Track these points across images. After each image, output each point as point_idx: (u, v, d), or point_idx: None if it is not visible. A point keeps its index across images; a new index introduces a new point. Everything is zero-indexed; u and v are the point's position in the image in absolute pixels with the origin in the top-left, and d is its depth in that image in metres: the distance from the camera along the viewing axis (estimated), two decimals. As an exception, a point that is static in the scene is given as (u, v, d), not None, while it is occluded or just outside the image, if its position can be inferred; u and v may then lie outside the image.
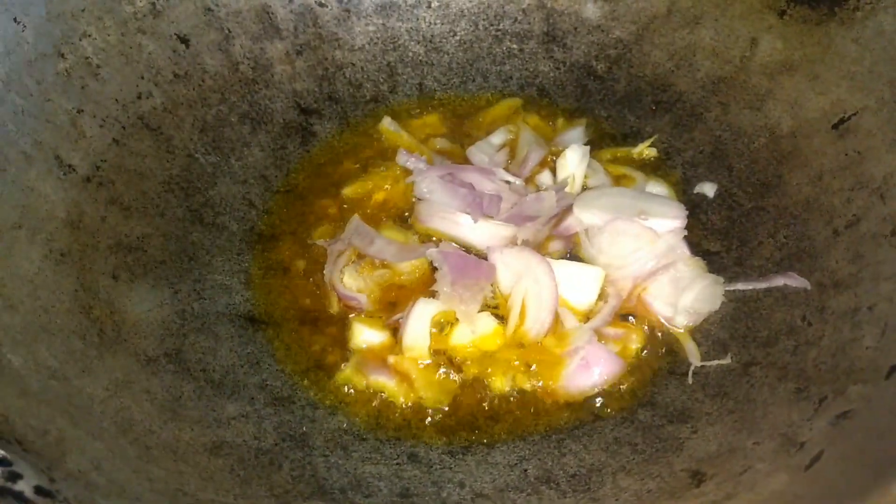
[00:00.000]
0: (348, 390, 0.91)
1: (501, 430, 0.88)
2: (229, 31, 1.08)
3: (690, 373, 0.89)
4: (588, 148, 1.03)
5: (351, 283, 0.96)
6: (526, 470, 0.84)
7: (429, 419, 0.89)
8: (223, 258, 0.99)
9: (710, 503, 0.72)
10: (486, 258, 0.95)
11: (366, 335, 0.94)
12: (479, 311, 0.92)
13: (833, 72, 0.96)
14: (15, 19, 0.89)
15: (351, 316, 0.95)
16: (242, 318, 0.95)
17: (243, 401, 0.88)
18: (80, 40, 0.96)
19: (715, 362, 0.89)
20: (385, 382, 0.91)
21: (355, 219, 1.00)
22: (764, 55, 1.03)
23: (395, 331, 0.93)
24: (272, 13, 1.11)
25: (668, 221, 0.95)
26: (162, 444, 0.79)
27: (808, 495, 0.65)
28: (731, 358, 0.88)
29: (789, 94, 1.00)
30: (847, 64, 0.95)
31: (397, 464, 0.85)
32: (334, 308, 0.97)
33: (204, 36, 1.07)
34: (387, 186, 1.05)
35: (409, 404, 0.90)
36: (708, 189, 1.03)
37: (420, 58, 1.17)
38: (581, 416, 0.88)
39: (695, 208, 1.01)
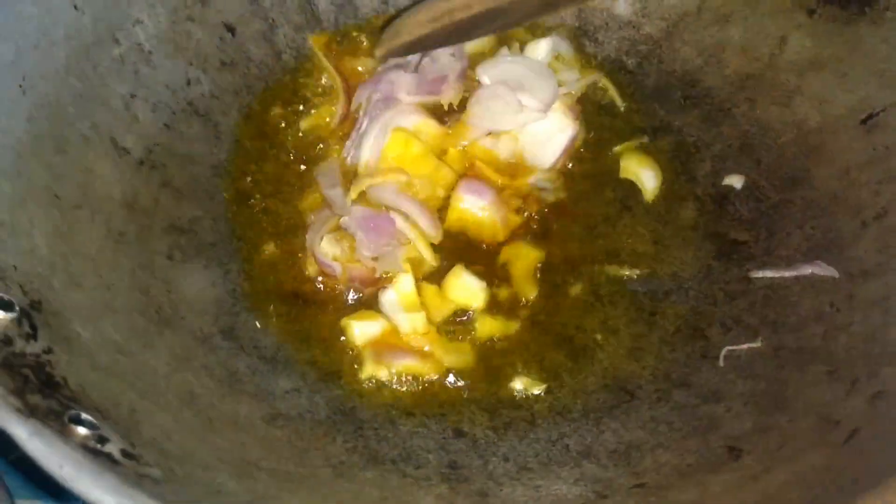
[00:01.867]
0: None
1: (542, 408, 0.92)
2: (273, 21, 1.12)
3: (722, 356, 0.93)
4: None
5: (328, 249, 0.98)
6: (567, 445, 0.88)
7: (466, 393, 0.93)
8: (270, 238, 1.02)
9: (749, 476, 0.76)
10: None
11: (362, 329, 0.95)
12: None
13: (861, 70, 1.00)
14: (75, 6, 0.92)
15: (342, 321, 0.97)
16: (290, 296, 0.98)
17: (295, 376, 0.92)
18: (134, 27, 0.99)
19: (745, 346, 0.93)
20: (409, 364, 0.94)
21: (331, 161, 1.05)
22: (792, 53, 1.06)
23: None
24: (314, 4, 1.14)
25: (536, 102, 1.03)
26: (223, 416, 0.82)
27: (850, 468, 0.69)
28: (762, 342, 0.92)
29: (817, 91, 1.03)
30: (876, 62, 0.98)
31: (443, 438, 0.89)
32: (310, 272, 0.99)
33: (249, 25, 1.10)
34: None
35: (437, 376, 0.94)
36: (736, 181, 1.07)
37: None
38: (618, 395, 0.92)
39: (723, 199, 1.05)
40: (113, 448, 0.64)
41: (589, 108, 1.13)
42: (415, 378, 0.94)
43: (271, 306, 0.97)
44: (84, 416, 0.66)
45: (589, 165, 1.10)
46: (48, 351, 0.72)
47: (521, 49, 1.13)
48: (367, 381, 0.93)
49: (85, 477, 0.56)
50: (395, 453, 0.86)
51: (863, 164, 0.96)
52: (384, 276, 0.97)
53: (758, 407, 0.86)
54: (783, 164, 1.04)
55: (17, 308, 0.72)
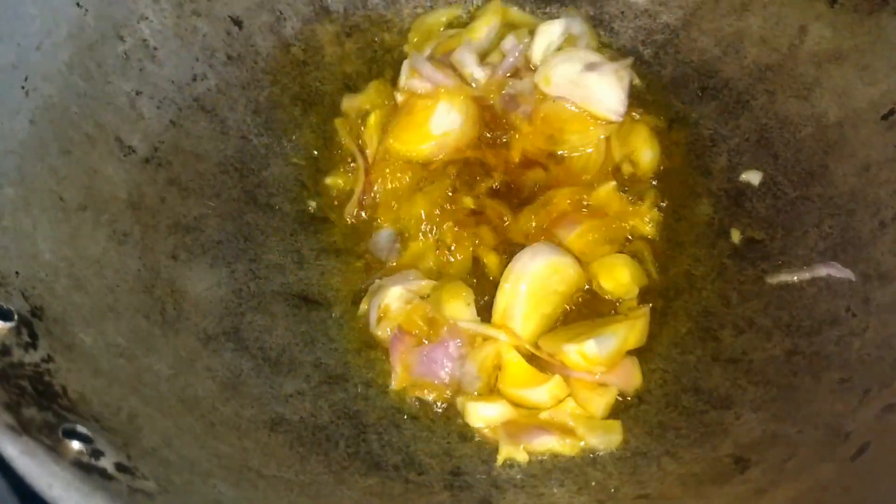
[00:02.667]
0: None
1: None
2: (281, 13, 1.10)
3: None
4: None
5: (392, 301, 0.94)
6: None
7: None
8: (277, 238, 1.02)
9: (754, 490, 0.75)
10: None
11: (481, 412, 0.89)
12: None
13: (883, 62, 0.96)
14: (78, 3, 0.91)
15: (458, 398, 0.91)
16: (296, 298, 0.98)
17: (299, 378, 0.91)
18: (139, 22, 0.98)
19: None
20: (549, 442, 0.87)
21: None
22: (812, 43, 1.03)
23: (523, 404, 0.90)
24: (322, -6, 1.13)
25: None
26: (225, 421, 0.82)
27: (856, 488, 0.67)
28: (776, 346, 0.90)
29: (837, 84, 1.00)
30: (897, 54, 0.95)
31: (448, 442, 0.88)
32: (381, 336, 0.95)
33: (256, 18, 1.08)
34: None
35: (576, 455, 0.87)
36: (753, 177, 1.04)
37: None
38: (625, 399, 0.91)
39: (740, 196, 1.03)
40: (107, 462, 0.64)
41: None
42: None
43: (277, 307, 0.97)
44: (79, 429, 0.66)
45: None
46: (48, 359, 0.72)
47: (531, 34, 1.10)
48: (504, 466, 0.87)
49: (73, 496, 0.56)
50: (398, 459, 0.86)
51: (883, 161, 0.93)
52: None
53: (767, 414, 0.84)
54: (801, 160, 1.01)
55: (16, 317, 0.72)
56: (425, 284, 0.95)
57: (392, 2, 1.16)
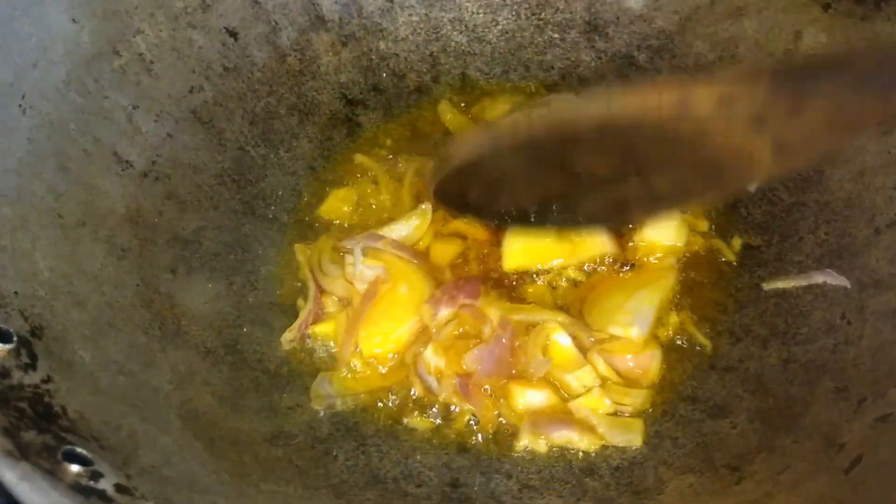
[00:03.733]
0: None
1: (546, 422, 0.91)
2: (276, 24, 1.10)
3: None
4: None
5: (431, 360, 0.92)
6: (570, 462, 0.87)
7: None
8: (275, 249, 1.03)
9: (749, 501, 0.75)
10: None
11: (529, 398, 0.90)
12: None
13: (877, 68, 0.96)
14: (73, 20, 0.92)
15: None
16: (295, 309, 0.98)
17: (298, 391, 0.92)
18: (134, 37, 0.98)
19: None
20: (569, 436, 0.88)
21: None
22: (807, 48, 1.03)
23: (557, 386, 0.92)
24: (318, 4, 1.13)
25: None
26: (224, 436, 0.83)
27: (850, 501, 0.68)
28: (772, 354, 0.91)
29: (832, 89, 1.00)
30: (892, 60, 0.95)
31: (446, 454, 0.89)
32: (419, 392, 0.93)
33: (252, 29, 1.09)
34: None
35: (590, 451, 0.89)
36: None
37: (463, 48, 1.18)
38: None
39: (736, 203, 1.03)
40: (106, 484, 0.65)
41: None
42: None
43: (276, 319, 0.97)
44: (78, 450, 0.66)
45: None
46: (47, 380, 0.73)
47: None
48: (523, 450, 0.89)
49: (72, 522, 0.57)
50: (397, 471, 0.87)
51: (878, 166, 0.93)
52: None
53: (764, 424, 0.84)
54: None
55: (16, 338, 0.73)
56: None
57: (387, 10, 1.16)
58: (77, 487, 0.62)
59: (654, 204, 0.88)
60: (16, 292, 0.77)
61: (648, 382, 0.93)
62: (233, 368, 0.91)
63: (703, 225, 1.03)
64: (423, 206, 1.02)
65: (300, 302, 0.99)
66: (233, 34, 1.07)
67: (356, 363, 0.94)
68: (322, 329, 0.97)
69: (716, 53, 1.10)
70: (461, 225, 1.02)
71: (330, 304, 0.98)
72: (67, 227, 0.86)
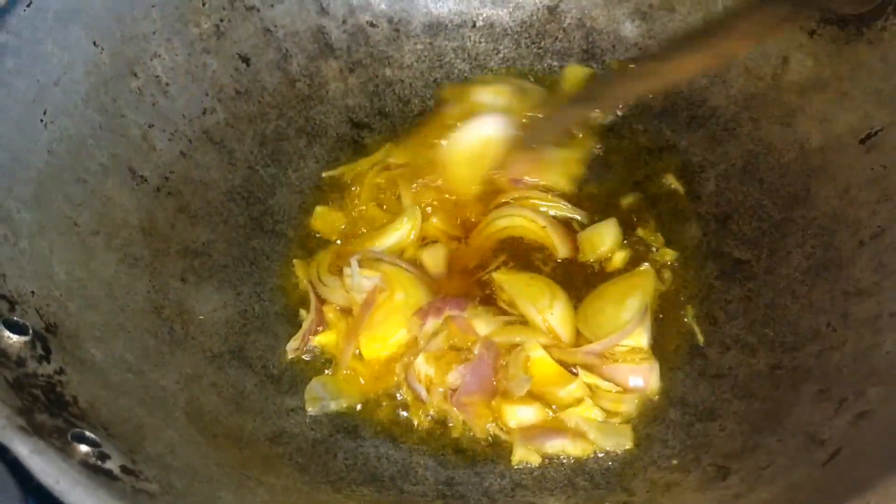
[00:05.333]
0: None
1: (540, 425, 0.94)
2: (287, 51, 1.16)
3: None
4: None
5: (422, 369, 0.95)
6: (563, 462, 0.90)
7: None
8: (281, 263, 1.06)
9: (733, 495, 0.77)
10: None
11: (520, 414, 0.92)
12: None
13: (861, 89, 1.00)
14: (94, 42, 0.97)
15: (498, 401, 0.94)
16: (299, 320, 1.02)
17: (300, 395, 0.95)
18: (151, 60, 1.04)
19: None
20: (562, 445, 0.91)
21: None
22: (794, 73, 1.07)
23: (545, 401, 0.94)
24: (327, 33, 1.18)
25: None
26: (228, 433, 0.86)
27: (826, 488, 0.70)
28: (760, 361, 0.93)
29: (818, 111, 1.04)
30: (875, 81, 0.99)
31: (442, 454, 0.91)
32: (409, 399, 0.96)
33: (263, 55, 1.14)
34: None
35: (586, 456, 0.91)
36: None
37: (465, 75, 1.23)
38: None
39: (727, 219, 1.06)
40: (113, 465, 0.68)
41: (595, 130, 1.16)
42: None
43: (281, 328, 1.01)
44: (87, 433, 0.70)
45: (594, 188, 1.12)
46: (60, 372, 0.76)
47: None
48: (518, 465, 0.91)
49: (79, 492, 0.60)
50: (394, 470, 0.89)
51: (862, 183, 0.97)
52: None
53: (750, 426, 0.87)
54: (785, 184, 1.05)
55: (31, 332, 0.77)
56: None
57: (393, 39, 1.21)
58: (85, 464, 0.65)
59: None
60: (33, 292, 0.81)
61: (650, 394, 0.95)
62: (238, 372, 0.94)
63: (671, 255, 1.05)
64: (406, 218, 1.06)
65: (303, 312, 1.02)
66: (245, 60, 1.13)
67: (354, 368, 0.97)
68: (324, 338, 1.00)
69: (707, 79, 1.15)
70: (435, 229, 1.07)
71: (331, 314, 1.01)
72: (83, 235, 0.91)
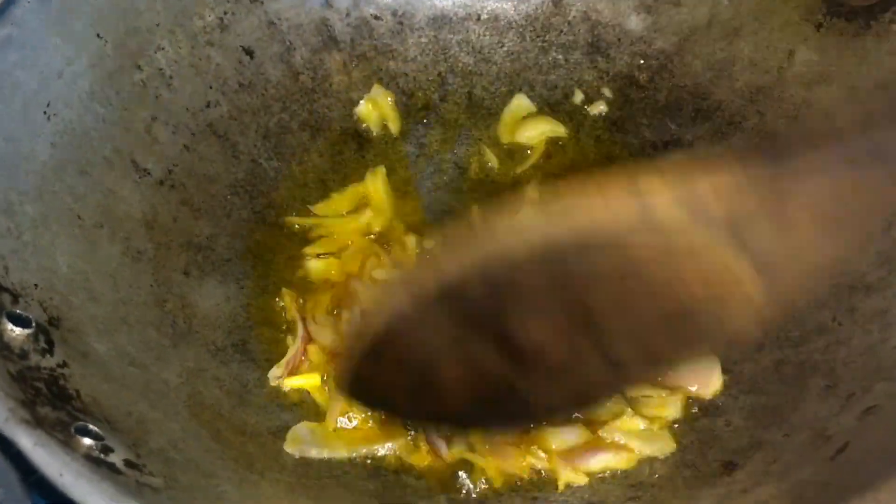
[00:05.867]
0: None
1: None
2: (290, 44, 1.15)
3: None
4: None
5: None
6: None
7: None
8: (284, 256, 1.06)
9: (739, 490, 0.77)
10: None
11: (564, 436, 0.89)
12: None
13: (868, 82, 1.00)
14: (98, 35, 0.97)
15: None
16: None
17: (304, 390, 0.95)
18: (155, 53, 1.03)
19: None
20: (606, 460, 0.88)
21: None
22: (801, 66, 1.07)
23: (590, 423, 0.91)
24: (331, 26, 1.18)
25: None
26: (230, 427, 0.86)
27: (834, 483, 0.70)
28: (766, 356, 0.93)
29: (825, 105, 1.03)
30: (882, 74, 0.98)
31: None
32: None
33: (267, 48, 1.14)
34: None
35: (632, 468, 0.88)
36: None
37: (469, 68, 1.23)
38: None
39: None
40: (116, 458, 0.68)
41: (600, 124, 1.16)
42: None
43: (285, 321, 1.00)
44: (91, 427, 0.69)
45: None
46: (63, 365, 0.76)
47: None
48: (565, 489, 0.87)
49: (83, 485, 0.60)
50: (399, 464, 0.89)
51: (869, 177, 0.96)
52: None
53: (757, 422, 0.86)
54: (792, 178, 1.04)
55: (34, 325, 0.77)
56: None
57: (397, 32, 1.21)
58: (89, 457, 0.65)
59: (618, 377, 0.71)
60: (35, 284, 0.81)
61: (711, 394, 0.92)
62: (241, 366, 0.94)
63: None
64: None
65: (289, 340, 0.98)
66: (249, 53, 1.12)
67: (345, 420, 0.91)
68: (307, 382, 0.94)
69: (713, 72, 1.14)
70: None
71: (314, 355, 0.96)
72: (86, 228, 0.90)
